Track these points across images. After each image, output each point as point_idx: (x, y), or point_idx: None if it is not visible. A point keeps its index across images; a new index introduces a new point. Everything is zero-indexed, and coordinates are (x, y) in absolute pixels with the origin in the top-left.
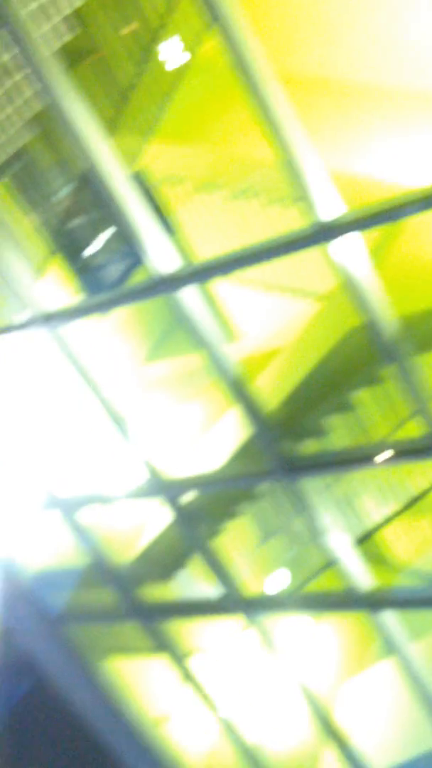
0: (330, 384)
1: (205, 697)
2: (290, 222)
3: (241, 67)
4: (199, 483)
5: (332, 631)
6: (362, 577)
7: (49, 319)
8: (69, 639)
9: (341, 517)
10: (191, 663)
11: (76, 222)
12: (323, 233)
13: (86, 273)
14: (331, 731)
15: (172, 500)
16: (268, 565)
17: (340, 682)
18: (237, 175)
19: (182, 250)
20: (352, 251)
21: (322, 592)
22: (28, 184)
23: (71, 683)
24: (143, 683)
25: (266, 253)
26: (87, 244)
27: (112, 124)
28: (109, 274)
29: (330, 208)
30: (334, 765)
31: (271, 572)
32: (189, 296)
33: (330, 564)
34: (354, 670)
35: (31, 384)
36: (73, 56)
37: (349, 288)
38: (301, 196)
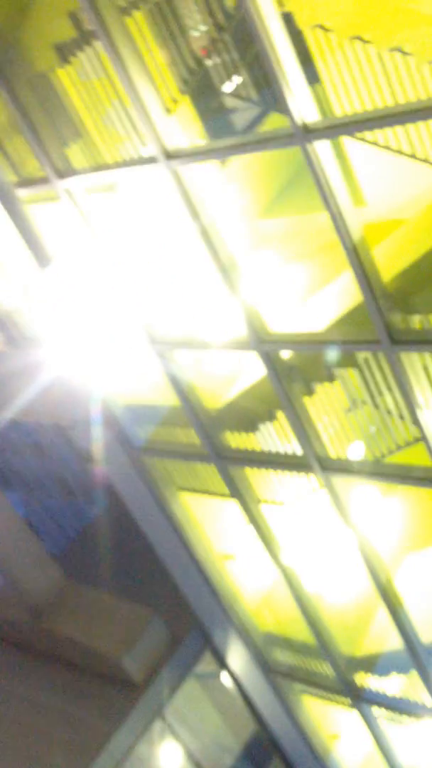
0: None
1: (270, 543)
2: None
3: None
4: (300, 342)
5: (405, 504)
6: None
7: (171, 157)
8: (147, 470)
9: None
10: (261, 510)
11: (212, 62)
12: None
13: (214, 116)
14: (387, 596)
15: (269, 355)
16: (353, 433)
17: (405, 553)
18: (392, 29)
19: (322, 102)
20: None
21: (402, 466)
22: (168, 15)
23: (144, 510)
24: (212, 521)
25: (411, 116)
26: (219, 86)
27: None
28: (236, 119)
29: None
30: (384, 628)
31: (354, 440)
32: (321, 151)
33: (414, 441)
34: (420, 544)
35: (144, 220)
36: None
37: None
38: None
